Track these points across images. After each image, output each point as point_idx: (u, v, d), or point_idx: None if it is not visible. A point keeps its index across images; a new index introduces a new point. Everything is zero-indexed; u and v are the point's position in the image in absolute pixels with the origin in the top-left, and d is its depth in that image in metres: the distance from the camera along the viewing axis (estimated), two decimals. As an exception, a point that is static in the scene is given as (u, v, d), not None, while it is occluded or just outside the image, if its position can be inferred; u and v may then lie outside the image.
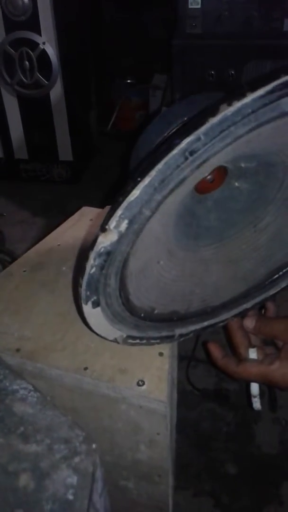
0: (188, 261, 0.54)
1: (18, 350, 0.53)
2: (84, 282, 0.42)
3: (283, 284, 0.60)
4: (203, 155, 0.37)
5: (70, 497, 0.31)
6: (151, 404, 0.49)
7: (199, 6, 0.94)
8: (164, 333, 0.54)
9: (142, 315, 0.50)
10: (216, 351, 0.59)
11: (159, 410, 0.49)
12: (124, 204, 0.37)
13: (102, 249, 0.40)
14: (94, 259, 0.40)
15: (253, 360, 0.57)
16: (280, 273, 0.59)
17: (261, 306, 0.63)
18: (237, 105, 0.35)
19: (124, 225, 0.39)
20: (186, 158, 0.37)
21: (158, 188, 0.38)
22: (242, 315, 0.60)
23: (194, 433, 0.91)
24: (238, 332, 0.59)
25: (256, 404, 0.59)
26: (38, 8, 1.32)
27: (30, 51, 1.44)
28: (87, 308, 0.44)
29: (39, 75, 1.49)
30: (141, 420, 0.51)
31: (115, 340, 0.50)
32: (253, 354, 0.58)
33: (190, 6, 0.94)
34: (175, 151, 0.36)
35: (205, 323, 0.58)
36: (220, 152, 0.39)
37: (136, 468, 0.58)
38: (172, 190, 0.39)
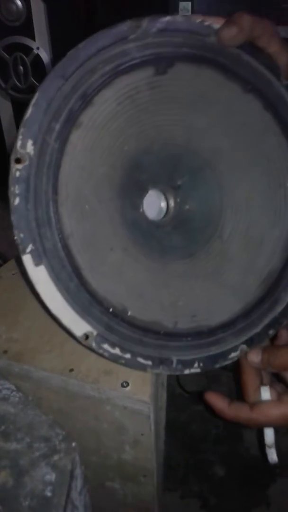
0: (158, 271, 0.53)
1: (5, 351, 0.54)
2: (13, 217, 0.44)
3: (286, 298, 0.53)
4: (80, 82, 0.44)
5: (48, 493, 0.31)
6: (135, 405, 0.50)
7: (189, 14, 0.96)
8: (153, 352, 0.49)
9: (111, 310, 0.49)
10: (218, 400, 0.51)
11: (143, 411, 0.50)
12: (22, 123, 0.43)
13: (18, 173, 0.43)
14: (14, 186, 0.43)
15: (267, 400, 0.49)
16: (274, 282, 0.53)
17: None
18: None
19: (30, 146, 0.43)
20: (61, 82, 0.43)
21: (48, 112, 0.43)
22: (255, 342, 0.51)
23: (183, 435, 0.92)
24: (251, 370, 0.51)
25: (273, 455, 0.50)
26: (32, 13, 1.33)
27: (24, 56, 1.45)
28: (28, 261, 0.45)
29: (33, 79, 1.50)
30: (126, 421, 0.52)
31: (86, 339, 0.47)
32: (266, 393, 0.50)
33: (180, 14, 0.95)
34: (51, 73, 0.42)
35: (211, 351, 0.51)
36: (101, 84, 0.45)
37: (122, 469, 0.58)
38: (69, 121, 0.45)
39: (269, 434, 0.50)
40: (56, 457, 0.34)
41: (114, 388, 0.50)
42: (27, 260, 0.45)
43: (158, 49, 0.46)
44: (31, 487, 0.31)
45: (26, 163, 0.43)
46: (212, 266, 0.53)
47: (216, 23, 0.45)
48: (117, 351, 0.48)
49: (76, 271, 0.47)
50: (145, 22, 0.44)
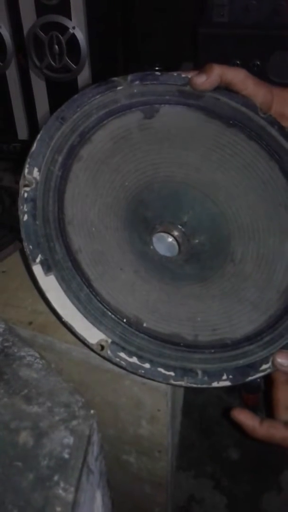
0: (172, 292, 0.53)
1: (30, 323, 0.56)
2: (22, 232, 0.47)
3: None
4: (78, 124, 0.51)
5: (66, 455, 0.33)
6: (153, 382, 0.51)
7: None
8: (175, 363, 0.47)
9: (125, 320, 0.48)
10: (248, 418, 0.47)
11: (160, 387, 0.51)
12: (28, 155, 0.49)
13: (25, 194, 0.48)
14: (22, 205, 0.48)
15: None
16: None
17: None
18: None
19: (35, 172, 0.49)
20: (61, 123, 0.51)
21: (51, 146, 0.50)
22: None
23: (200, 417, 0.93)
24: (283, 385, 0.48)
25: None
26: (69, -8, 1.33)
27: (60, 35, 1.45)
28: (38, 270, 0.46)
29: (67, 59, 1.50)
30: (143, 396, 0.53)
31: (101, 349, 0.46)
32: None
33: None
34: (53, 116, 0.51)
35: (240, 363, 0.48)
36: (96, 125, 0.52)
37: (138, 443, 0.60)
38: (70, 155, 0.51)
39: None
40: (74, 422, 0.35)
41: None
42: (37, 269, 0.47)
43: (143, 97, 0.54)
44: (50, 448, 0.33)
45: (33, 186, 0.48)
46: (228, 286, 0.53)
47: (191, 74, 0.54)
48: (134, 360, 0.46)
49: (87, 282, 0.48)
50: (129, 77, 0.55)
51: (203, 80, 0.53)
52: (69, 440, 0.34)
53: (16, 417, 0.35)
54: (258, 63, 1.00)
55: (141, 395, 0.53)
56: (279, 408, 0.47)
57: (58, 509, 0.30)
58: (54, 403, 0.36)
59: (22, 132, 1.59)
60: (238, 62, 1.02)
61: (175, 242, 0.58)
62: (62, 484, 0.31)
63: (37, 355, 0.40)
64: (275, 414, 0.47)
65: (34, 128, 1.73)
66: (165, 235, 0.58)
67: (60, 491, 0.31)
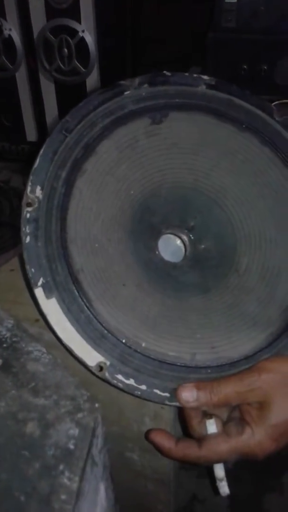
0: (173, 306, 0.53)
1: (37, 320, 0.57)
2: (24, 254, 0.48)
3: None
4: (82, 135, 0.51)
5: (71, 446, 0.34)
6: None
7: (235, 1, 0.96)
8: (171, 384, 0.48)
9: (124, 341, 0.49)
10: (164, 440, 0.48)
11: (164, 385, 0.52)
12: (31, 172, 0.49)
13: (28, 215, 0.48)
14: (25, 226, 0.48)
15: (214, 434, 0.45)
16: None
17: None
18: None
19: (38, 191, 0.49)
20: (65, 136, 0.50)
21: (54, 161, 0.50)
22: None
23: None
24: None
25: (224, 488, 0.47)
26: (79, -4, 1.35)
27: (69, 39, 1.46)
28: (40, 294, 0.48)
29: (77, 62, 1.52)
30: (147, 394, 0.54)
31: (99, 370, 0.48)
32: (212, 426, 0.46)
33: (226, 0, 0.96)
34: (55, 130, 0.50)
35: None
36: (101, 135, 0.51)
37: (141, 440, 0.61)
38: (73, 169, 0.50)
39: (219, 468, 0.47)
40: (80, 415, 0.36)
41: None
42: (38, 293, 0.49)
43: (152, 101, 0.52)
44: (55, 439, 0.34)
45: (36, 205, 0.49)
46: (230, 299, 0.53)
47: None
48: (131, 382, 0.48)
49: (88, 303, 0.50)
50: (137, 79, 0.52)
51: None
52: (74, 431, 0.35)
53: (24, 408, 0.36)
54: (266, 68, 1.01)
55: (145, 393, 0.54)
56: (192, 424, 0.47)
57: (63, 497, 0.31)
58: (60, 396, 0.37)
59: (31, 134, 1.61)
60: (245, 66, 1.03)
61: (181, 245, 0.58)
62: (67, 474, 0.32)
63: (44, 350, 0.42)
64: (190, 431, 0.48)
65: (42, 130, 1.75)
66: (171, 237, 0.58)
67: (65, 480, 0.32)
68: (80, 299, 0.49)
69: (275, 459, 0.85)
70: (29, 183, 0.49)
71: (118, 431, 0.61)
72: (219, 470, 0.47)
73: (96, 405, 0.37)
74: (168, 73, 0.53)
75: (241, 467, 0.85)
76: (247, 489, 0.82)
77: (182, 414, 0.50)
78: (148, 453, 0.63)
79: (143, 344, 0.50)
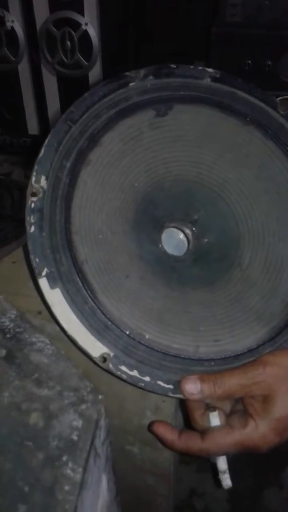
0: (177, 299, 0.53)
1: (39, 312, 0.57)
2: (29, 244, 0.47)
3: None
4: (87, 126, 0.51)
5: (75, 437, 0.34)
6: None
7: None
8: (175, 376, 0.48)
9: (128, 332, 0.49)
10: (167, 432, 0.48)
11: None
12: (36, 161, 0.49)
13: (33, 204, 0.48)
14: (29, 216, 0.48)
15: (218, 427, 0.45)
16: None
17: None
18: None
19: (43, 181, 0.49)
20: (70, 126, 0.50)
21: (59, 151, 0.50)
22: None
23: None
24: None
25: (227, 480, 0.47)
26: (82, -12, 1.34)
27: (72, 31, 1.46)
28: (44, 284, 0.48)
29: (79, 55, 1.51)
30: (149, 387, 0.54)
31: (103, 361, 0.47)
32: (215, 419, 0.46)
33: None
34: (60, 120, 0.50)
35: None
36: (106, 126, 0.51)
37: (142, 434, 0.61)
38: (78, 160, 0.50)
39: (222, 461, 0.47)
40: (83, 406, 0.36)
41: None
42: (43, 283, 0.48)
43: (157, 93, 0.53)
44: (59, 430, 0.34)
45: (40, 195, 0.49)
46: (233, 292, 0.53)
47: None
48: (135, 373, 0.48)
49: (92, 294, 0.49)
50: (142, 71, 0.52)
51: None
52: (78, 423, 0.35)
53: (27, 399, 0.36)
54: (270, 63, 1.01)
55: (146, 386, 0.54)
56: (195, 416, 0.47)
57: (67, 487, 0.31)
58: (64, 387, 0.37)
59: (33, 127, 1.60)
60: (249, 61, 1.02)
61: (184, 239, 0.58)
62: (70, 465, 0.32)
63: (47, 341, 0.42)
64: (192, 423, 0.48)
65: (44, 123, 1.74)
66: (175, 231, 0.58)
67: (69, 471, 0.32)
68: (84, 290, 0.49)
69: (274, 454, 0.85)
70: (34, 173, 0.49)
71: (119, 424, 0.61)
72: (222, 463, 0.47)
73: (100, 396, 0.37)
74: (173, 66, 0.53)
75: (241, 462, 0.86)
76: (246, 483, 0.82)
77: (184, 406, 0.50)
78: (148, 447, 0.63)
79: (147, 336, 0.50)
